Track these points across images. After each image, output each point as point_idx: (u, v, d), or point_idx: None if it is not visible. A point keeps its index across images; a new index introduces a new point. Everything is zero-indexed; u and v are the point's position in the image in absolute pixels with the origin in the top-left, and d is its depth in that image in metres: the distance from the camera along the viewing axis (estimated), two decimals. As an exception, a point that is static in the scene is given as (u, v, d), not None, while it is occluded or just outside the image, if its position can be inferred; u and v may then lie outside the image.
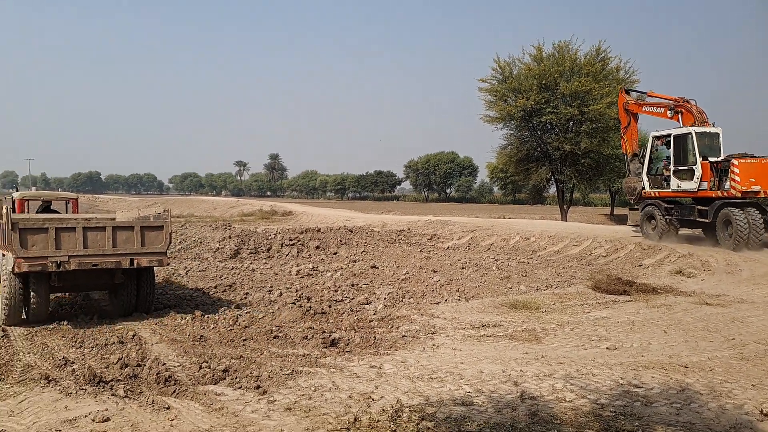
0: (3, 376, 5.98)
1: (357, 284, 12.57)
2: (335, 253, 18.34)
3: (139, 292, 9.23)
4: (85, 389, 5.35)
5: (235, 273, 14.11)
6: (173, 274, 13.76)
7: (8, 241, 7.87)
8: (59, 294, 10.06)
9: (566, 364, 6.51)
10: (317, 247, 18.88)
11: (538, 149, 30.44)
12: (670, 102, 18.21)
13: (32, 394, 5.25)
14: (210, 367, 6.03)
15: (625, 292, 10.79)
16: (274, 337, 7.49)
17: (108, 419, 4.67)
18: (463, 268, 15.17)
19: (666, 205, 17.49)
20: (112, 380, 5.65)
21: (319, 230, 22.21)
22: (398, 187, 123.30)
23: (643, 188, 18.62)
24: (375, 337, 7.58)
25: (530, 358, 6.72)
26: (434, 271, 14.52)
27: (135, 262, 8.49)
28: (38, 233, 7.94)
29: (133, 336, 7.55)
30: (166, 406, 4.94)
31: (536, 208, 58.35)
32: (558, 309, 9.63)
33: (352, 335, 7.63)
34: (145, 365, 6.12)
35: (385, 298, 10.90)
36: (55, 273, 8.18)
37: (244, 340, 7.40)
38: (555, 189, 33.89)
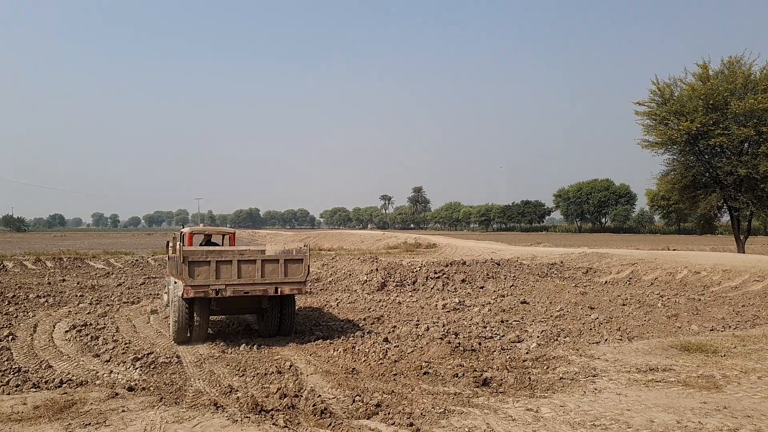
0: (179, 400, 6.53)
1: (506, 320, 12.14)
2: (482, 287, 17.98)
3: (282, 316, 10.43)
4: (249, 417, 5.65)
5: (382, 305, 14.38)
6: (325, 305, 14.39)
7: (180, 271, 9.19)
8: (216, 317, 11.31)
9: (755, 418, 5.67)
10: (463, 281, 18.69)
11: (707, 174, 27.68)
12: None
13: (204, 419, 5.67)
14: (363, 401, 6.12)
15: (826, 335, 9.26)
16: (424, 374, 7.43)
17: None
18: (623, 305, 14.08)
19: None
20: (272, 410, 5.93)
21: (464, 263, 22.02)
22: (547, 217, 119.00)
23: None
24: (530, 378, 7.21)
25: (710, 409, 5.95)
26: (591, 308, 13.63)
27: (279, 290, 9.70)
28: (203, 265, 9.28)
29: (290, 366, 7.93)
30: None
31: (705, 238, 52.87)
32: (741, 353, 8.48)
33: (505, 375, 7.34)
34: (301, 396, 6.37)
35: (538, 336, 10.37)
36: (215, 299, 9.55)
37: (395, 374, 7.44)
38: (728, 217, 30.53)
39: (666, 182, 30.02)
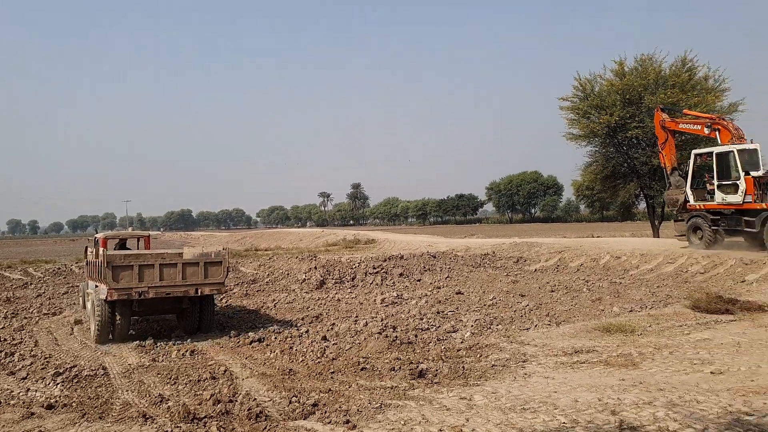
0: (104, 414, 6.29)
1: (442, 311, 12.45)
2: (419, 280, 18.33)
3: (202, 314, 11.16)
4: (180, 427, 5.58)
5: (321, 304, 14.42)
6: (262, 306, 14.28)
7: (103, 275, 9.75)
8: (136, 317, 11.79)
9: (667, 390, 6.14)
10: (401, 275, 18.97)
11: (625, 165, 29.39)
12: (707, 119, 19.87)
13: (130, 433, 5.55)
14: (299, 402, 6.17)
15: (728, 311, 10.07)
16: (362, 369, 7.56)
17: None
18: (552, 291, 14.71)
19: (712, 217, 18.68)
20: (205, 417, 5.86)
21: (402, 257, 22.35)
22: (480, 209, 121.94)
23: (687, 201, 19.88)
24: (464, 367, 7.48)
25: (627, 385, 6.39)
26: (522, 296, 14.17)
27: (199, 290, 10.43)
28: (126, 269, 9.85)
29: (225, 371, 7.85)
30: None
31: (626, 225, 55.68)
32: (654, 331, 9.12)
33: (440, 365, 7.58)
34: (236, 401, 6.33)
35: (472, 326, 10.70)
36: (137, 300, 10.16)
37: (332, 372, 7.53)
38: (644, 205, 32.53)
39: (589, 173, 31.64)
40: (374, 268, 19.55)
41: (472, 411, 5.69)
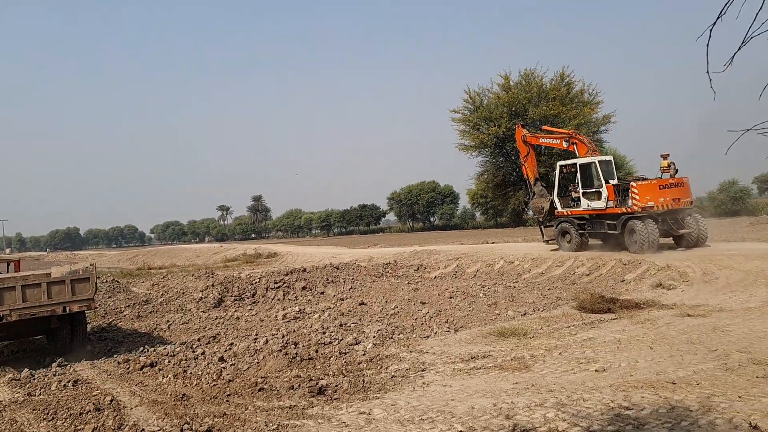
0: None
1: (345, 324, 12.38)
2: (322, 293, 18.16)
3: (73, 333, 11.06)
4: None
5: (219, 323, 13.88)
6: (155, 328, 13.52)
7: None
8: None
9: (557, 391, 6.44)
10: (303, 288, 18.70)
11: (514, 174, 31.10)
12: (564, 134, 22.29)
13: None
14: (191, 429, 5.84)
15: (610, 309, 10.82)
16: (260, 390, 7.31)
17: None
18: (450, 298, 15.09)
19: (578, 222, 20.69)
20: (87, 455, 5.43)
21: (304, 270, 22.05)
22: (383, 219, 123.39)
23: (555, 208, 21.78)
24: (364, 381, 7.45)
25: (521, 388, 6.64)
26: (423, 303, 14.42)
27: (67, 308, 10.19)
28: None
29: (111, 401, 7.29)
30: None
31: (519, 230, 58.41)
32: (545, 333, 9.58)
33: (341, 380, 7.49)
34: (122, 433, 5.92)
35: (374, 336, 10.71)
36: (0, 324, 9.85)
37: (228, 395, 7.21)
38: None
39: (482, 182, 33.17)
40: (276, 283, 19.13)
41: (371, 425, 5.66)
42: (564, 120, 27.24)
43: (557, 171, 21.59)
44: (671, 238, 19.35)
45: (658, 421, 5.39)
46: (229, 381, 7.94)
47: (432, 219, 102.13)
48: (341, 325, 12.23)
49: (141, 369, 9.20)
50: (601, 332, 9.34)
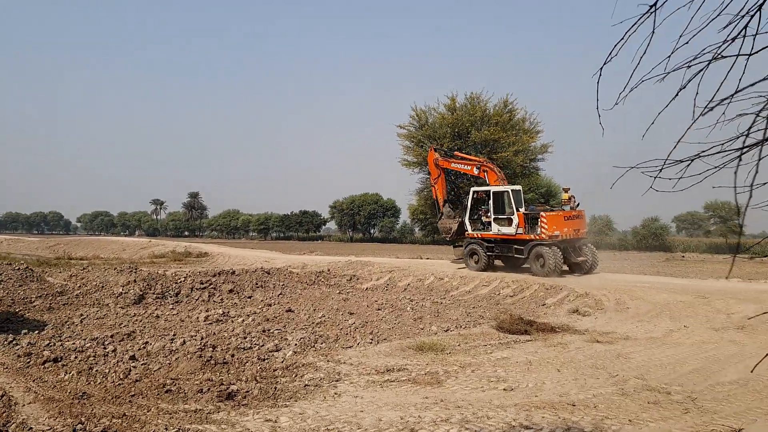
0: None
1: (269, 330, 12.19)
2: (250, 297, 17.84)
3: None
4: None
5: (137, 320, 13.38)
6: (66, 322, 12.89)
7: None
8: None
9: (464, 407, 6.58)
10: (231, 291, 18.31)
11: (452, 193, 31.69)
12: (476, 162, 23.48)
13: None
14: (85, 429, 5.60)
15: (526, 331, 11.16)
16: (166, 392, 7.09)
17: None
18: (379, 309, 15.15)
19: (487, 244, 22.02)
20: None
21: (233, 272, 21.58)
22: (324, 227, 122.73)
23: (465, 230, 23.03)
24: (276, 388, 7.36)
25: (430, 403, 6.75)
26: (351, 313, 14.41)
27: None
28: None
29: (2, 396, 6.86)
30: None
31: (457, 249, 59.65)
32: (462, 350, 9.78)
33: (252, 386, 7.38)
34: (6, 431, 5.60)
35: (296, 344, 10.61)
36: None
37: (132, 395, 6.96)
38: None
39: (421, 198, 33.63)
40: (202, 284, 18.64)
41: (275, 434, 5.61)
42: (504, 145, 28.06)
43: (470, 196, 22.84)
44: (566, 266, 21.00)
45: (554, 440, 5.61)
46: (136, 381, 7.66)
47: (372, 231, 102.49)
48: (264, 331, 12.04)
49: (43, 364, 8.74)
50: (515, 353, 9.62)
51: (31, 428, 5.73)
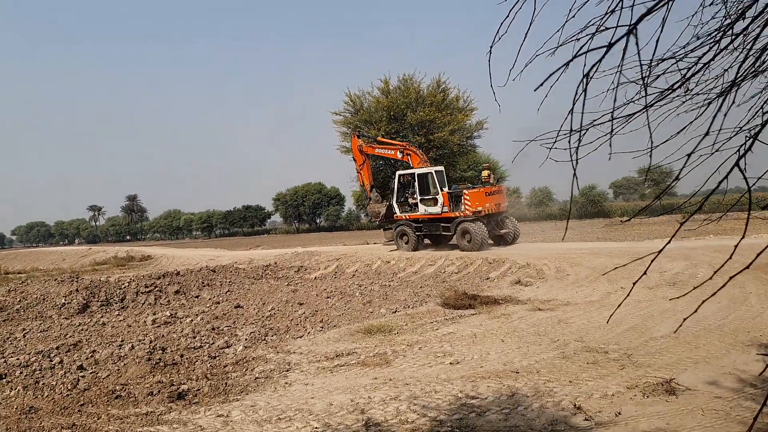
0: None
1: (218, 327, 12.16)
2: (197, 296, 17.63)
3: None
4: None
5: (82, 329, 13.06)
6: (9, 337, 12.46)
7: None
8: None
9: (412, 384, 6.85)
10: (177, 292, 18.05)
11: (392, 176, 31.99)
12: (399, 146, 24.29)
13: None
14: (35, 443, 5.58)
15: (471, 306, 11.55)
16: (116, 398, 7.06)
17: None
18: (328, 297, 15.29)
19: (416, 225, 22.99)
20: None
21: (178, 273, 21.24)
22: (269, 220, 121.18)
23: (394, 212, 23.88)
24: (226, 383, 7.44)
25: (379, 383, 6.98)
26: (300, 304, 14.49)
27: None
28: None
29: (-55, 419, 6.73)
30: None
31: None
32: (409, 329, 10.07)
33: (203, 384, 7.42)
34: (-46, 453, 5.50)
35: (246, 339, 10.65)
36: None
37: (82, 405, 6.89)
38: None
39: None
40: (147, 287, 18.29)
41: (228, 428, 5.72)
42: (439, 125, 28.43)
43: (396, 179, 23.65)
44: (491, 239, 22.29)
45: (498, 407, 5.94)
46: (85, 390, 7.58)
47: (318, 220, 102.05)
48: (213, 329, 12.00)
49: (-16, 383, 8.50)
50: (461, 327, 9.98)
51: (-24, 448, 5.64)
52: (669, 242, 2.48)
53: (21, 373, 9.01)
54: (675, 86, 2.63)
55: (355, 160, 25.97)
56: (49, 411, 6.82)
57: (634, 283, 2.66)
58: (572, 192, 2.58)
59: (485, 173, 23.38)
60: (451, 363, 7.71)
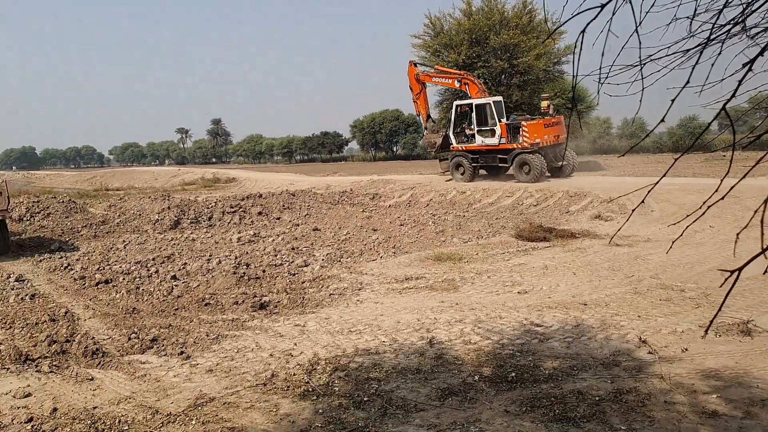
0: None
1: (297, 247, 12.79)
2: (278, 218, 18.47)
3: None
4: (8, 368, 5.49)
5: (174, 244, 14.13)
6: (111, 248, 13.72)
7: None
8: None
9: (477, 309, 7.07)
10: (260, 213, 18.98)
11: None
12: (457, 75, 23.67)
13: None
14: (138, 338, 6.30)
15: (546, 238, 11.48)
16: (206, 305, 7.77)
17: (29, 395, 4.83)
18: (401, 225, 15.60)
19: (472, 156, 22.92)
20: (39, 358, 5.81)
21: (261, 196, 22.25)
22: (346, 147, 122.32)
23: (450, 143, 23.70)
24: (303, 297, 7.97)
25: (445, 306, 7.25)
26: (374, 230, 14.91)
27: None
28: None
29: (66, 313, 7.65)
30: (90, 377, 5.19)
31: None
32: (480, 258, 10.21)
33: (282, 297, 7.99)
34: (74, 341, 6.30)
35: (323, 259, 11.19)
36: None
37: (176, 309, 7.66)
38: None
39: (442, 110, 33.12)
40: (232, 207, 19.35)
41: (304, 336, 6.20)
42: (524, 50, 27.13)
43: (453, 110, 23.29)
44: (548, 171, 21.88)
45: (562, 336, 6.06)
46: (178, 297, 8.36)
47: (395, 148, 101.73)
48: (293, 249, 12.65)
49: (96, 285, 9.52)
50: (532, 258, 10.02)
51: (93, 337, 6.45)
52: None
53: (124, 279, 10.00)
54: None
55: (411, 89, 25.45)
56: (149, 312, 7.62)
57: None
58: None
59: (544, 104, 22.89)
60: (519, 292, 7.84)
